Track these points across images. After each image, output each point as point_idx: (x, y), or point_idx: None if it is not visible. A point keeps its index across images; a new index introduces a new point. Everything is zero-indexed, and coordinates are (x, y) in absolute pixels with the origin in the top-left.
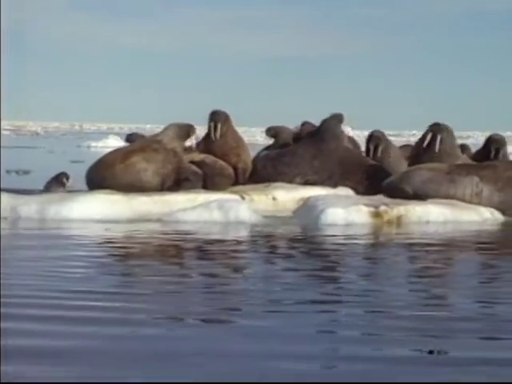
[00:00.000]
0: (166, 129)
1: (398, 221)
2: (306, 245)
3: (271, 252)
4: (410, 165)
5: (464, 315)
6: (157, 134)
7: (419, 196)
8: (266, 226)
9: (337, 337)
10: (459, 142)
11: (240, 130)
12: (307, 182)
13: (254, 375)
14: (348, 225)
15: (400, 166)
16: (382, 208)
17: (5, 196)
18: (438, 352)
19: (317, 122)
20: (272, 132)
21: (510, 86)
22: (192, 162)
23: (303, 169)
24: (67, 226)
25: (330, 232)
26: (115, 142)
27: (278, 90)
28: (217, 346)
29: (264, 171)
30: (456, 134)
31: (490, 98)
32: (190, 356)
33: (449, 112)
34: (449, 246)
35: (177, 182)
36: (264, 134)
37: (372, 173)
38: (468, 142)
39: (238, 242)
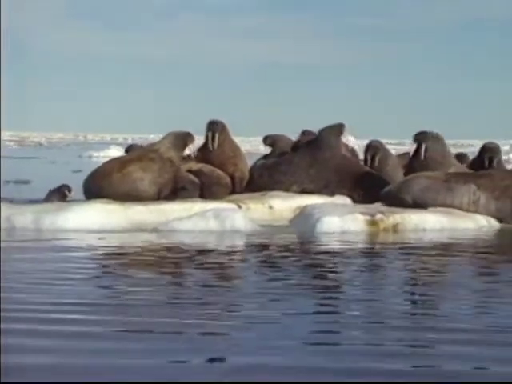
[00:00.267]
0: (163, 138)
1: (394, 229)
2: (298, 254)
3: (263, 261)
4: (404, 174)
5: (460, 326)
6: (154, 143)
7: (418, 205)
8: (261, 235)
9: (328, 348)
10: (460, 150)
11: (237, 140)
12: (304, 191)
13: None
14: (344, 233)
15: (397, 174)
16: (378, 216)
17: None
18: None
19: (317, 130)
20: (269, 141)
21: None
22: (189, 171)
23: (299, 177)
24: (61, 237)
25: (325, 241)
26: (117, 153)
27: (276, 97)
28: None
29: (261, 180)
30: (457, 142)
31: (491, 105)
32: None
33: (450, 120)
34: (444, 254)
35: (174, 191)
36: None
37: (369, 181)
38: (468, 150)
39: (231, 252)
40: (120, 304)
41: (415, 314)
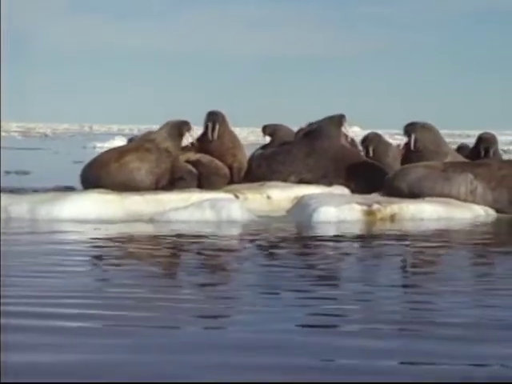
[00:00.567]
0: (160, 128)
1: (392, 219)
2: (292, 244)
3: (257, 251)
4: (401, 165)
5: (454, 320)
6: (151, 133)
7: (414, 194)
8: (257, 225)
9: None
10: (464, 141)
11: (242, 130)
12: (302, 181)
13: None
14: (341, 223)
15: (398, 165)
16: (375, 206)
17: None
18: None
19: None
20: (269, 130)
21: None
22: (188, 162)
23: (297, 167)
24: (56, 227)
25: (320, 231)
26: (121, 143)
27: (279, 88)
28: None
29: (258, 170)
30: (462, 133)
31: (492, 96)
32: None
33: (459, 110)
34: (441, 244)
35: (171, 182)
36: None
37: (367, 171)
38: (468, 141)
39: (225, 242)
40: (112, 297)
41: (409, 308)
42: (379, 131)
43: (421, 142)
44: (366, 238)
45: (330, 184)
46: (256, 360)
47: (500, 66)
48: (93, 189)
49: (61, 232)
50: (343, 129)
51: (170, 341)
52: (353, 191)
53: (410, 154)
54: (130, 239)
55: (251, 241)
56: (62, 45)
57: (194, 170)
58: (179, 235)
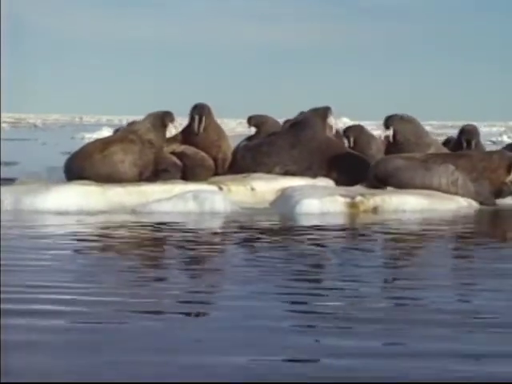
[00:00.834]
0: (143, 119)
1: (374, 211)
2: (273, 236)
3: (237, 243)
4: None
5: (436, 307)
6: (134, 124)
7: (393, 183)
8: (239, 217)
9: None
10: (455, 132)
11: (228, 122)
12: (287, 172)
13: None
14: (323, 215)
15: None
16: (358, 198)
17: None
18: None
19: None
20: (254, 122)
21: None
22: (173, 153)
23: (282, 158)
24: (38, 218)
25: (302, 223)
26: (108, 134)
27: (271, 81)
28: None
29: (243, 162)
30: (452, 123)
31: (484, 87)
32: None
33: (446, 101)
34: (423, 236)
35: (156, 173)
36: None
37: (351, 162)
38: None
39: (206, 233)
40: (94, 292)
41: (390, 297)
42: (369, 122)
43: (401, 134)
44: (347, 231)
45: (314, 176)
46: (231, 359)
47: (493, 57)
48: (76, 180)
49: (41, 226)
50: (328, 120)
51: (144, 339)
52: (337, 183)
53: (390, 147)
54: (110, 233)
55: (232, 233)
56: (57, 35)
57: (178, 161)
58: (160, 227)
